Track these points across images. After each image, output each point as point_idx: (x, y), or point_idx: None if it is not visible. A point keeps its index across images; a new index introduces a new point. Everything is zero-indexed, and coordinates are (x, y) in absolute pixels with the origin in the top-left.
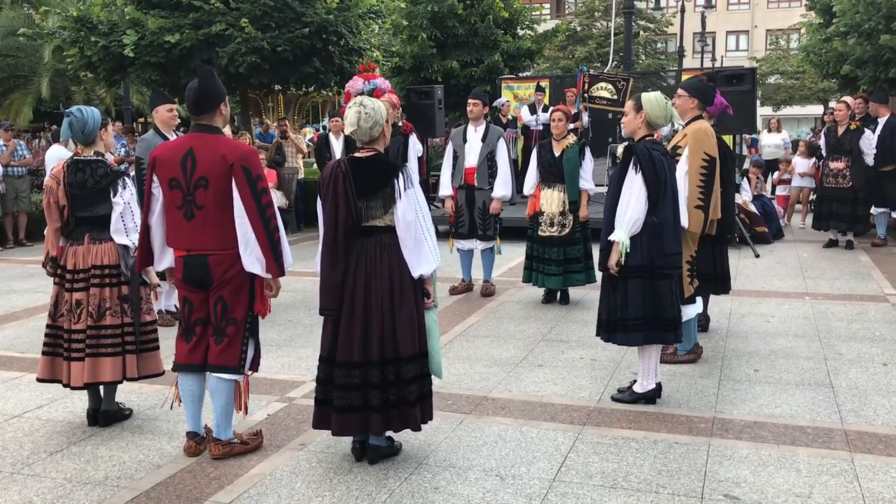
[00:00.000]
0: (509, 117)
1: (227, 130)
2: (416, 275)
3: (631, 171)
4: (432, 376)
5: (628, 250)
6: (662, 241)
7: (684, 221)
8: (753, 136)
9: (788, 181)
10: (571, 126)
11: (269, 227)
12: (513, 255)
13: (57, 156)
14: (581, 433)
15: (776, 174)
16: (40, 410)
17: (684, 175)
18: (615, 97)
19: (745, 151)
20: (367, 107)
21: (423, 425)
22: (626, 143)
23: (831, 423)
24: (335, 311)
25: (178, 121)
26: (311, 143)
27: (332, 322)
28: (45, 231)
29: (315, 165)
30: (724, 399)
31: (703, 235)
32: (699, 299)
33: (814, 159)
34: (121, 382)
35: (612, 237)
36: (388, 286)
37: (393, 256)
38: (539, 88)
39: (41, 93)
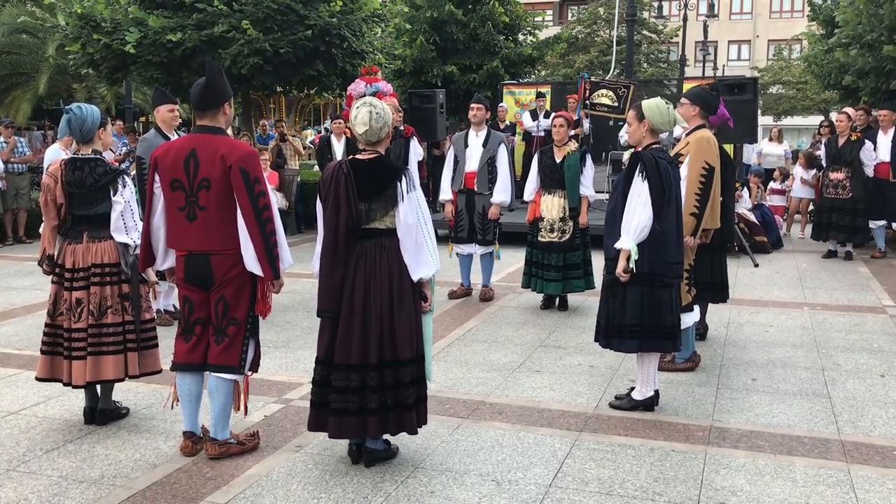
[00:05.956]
0: (506, 122)
1: (228, 132)
2: (415, 278)
3: (637, 178)
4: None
5: (637, 257)
6: (665, 250)
7: None
8: (754, 145)
9: (780, 191)
10: (572, 132)
11: (264, 230)
12: (512, 261)
13: (57, 153)
14: (578, 439)
15: (770, 184)
16: (37, 408)
17: (683, 180)
18: (616, 104)
19: (753, 160)
20: (377, 107)
21: (418, 429)
22: (632, 150)
23: (828, 433)
24: (333, 313)
25: (180, 121)
26: (312, 145)
27: (330, 324)
28: (41, 229)
29: (316, 167)
30: (722, 408)
31: (702, 244)
32: (696, 307)
33: (814, 170)
34: (122, 380)
35: (618, 244)
36: (388, 289)
37: (393, 259)
38: (540, 94)
39: (40, 90)
